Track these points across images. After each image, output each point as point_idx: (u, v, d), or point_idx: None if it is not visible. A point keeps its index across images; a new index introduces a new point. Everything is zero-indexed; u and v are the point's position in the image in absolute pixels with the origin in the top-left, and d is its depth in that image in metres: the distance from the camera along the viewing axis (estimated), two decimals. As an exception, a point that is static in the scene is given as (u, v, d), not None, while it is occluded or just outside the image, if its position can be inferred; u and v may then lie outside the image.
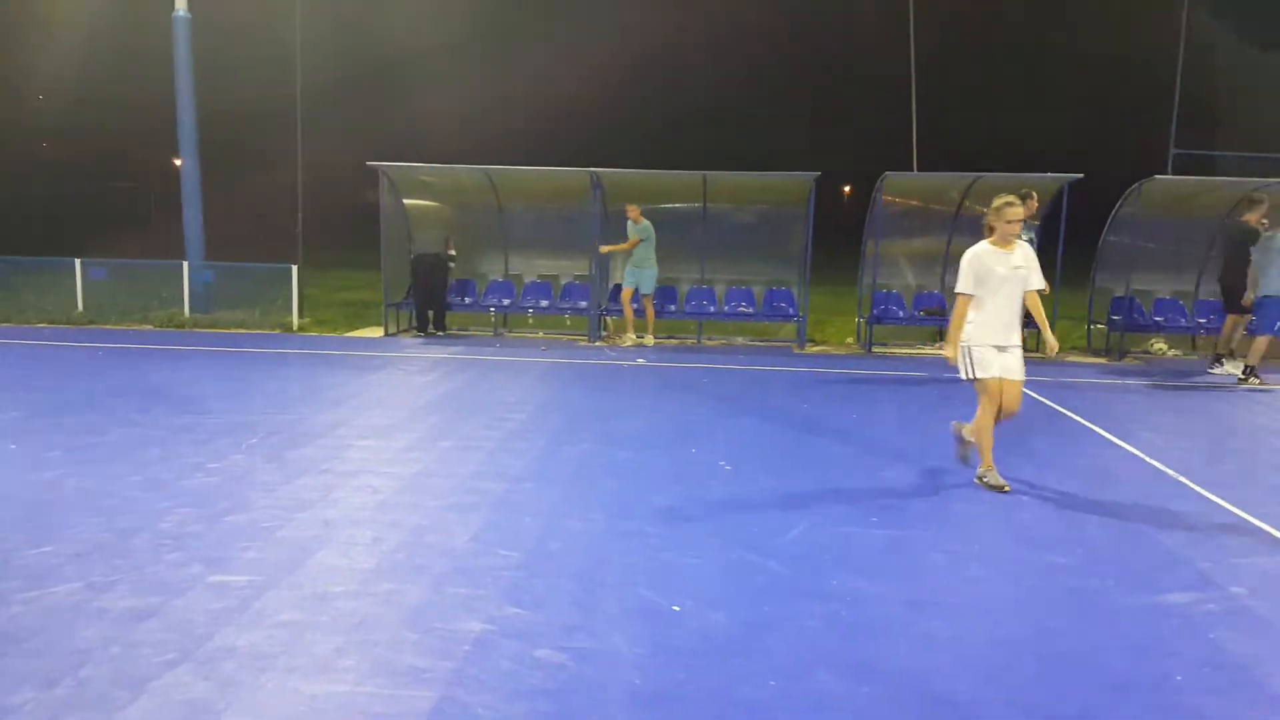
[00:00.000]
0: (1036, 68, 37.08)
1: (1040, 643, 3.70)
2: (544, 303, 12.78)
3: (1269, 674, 3.48)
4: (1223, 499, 5.67)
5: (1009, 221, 5.60)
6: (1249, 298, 9.86)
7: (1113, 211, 11.78)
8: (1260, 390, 9.52)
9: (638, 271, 11.77)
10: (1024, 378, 5.73)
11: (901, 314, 12.05)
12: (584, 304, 12.49)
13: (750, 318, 12.44)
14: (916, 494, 5.69)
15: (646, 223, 11.66)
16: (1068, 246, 11.18)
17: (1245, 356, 9.89)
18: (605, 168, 12.00)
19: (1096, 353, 11.91)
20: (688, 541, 4.72)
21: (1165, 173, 16.82)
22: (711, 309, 12.41)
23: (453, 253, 12.13)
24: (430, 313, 12.32)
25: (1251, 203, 9.98)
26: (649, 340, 11.85)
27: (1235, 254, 10.02)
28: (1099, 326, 11.94)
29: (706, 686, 3.28)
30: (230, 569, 4.18)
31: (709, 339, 12.75)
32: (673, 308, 12.55)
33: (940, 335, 12.48)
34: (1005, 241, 5.67)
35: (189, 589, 3.95)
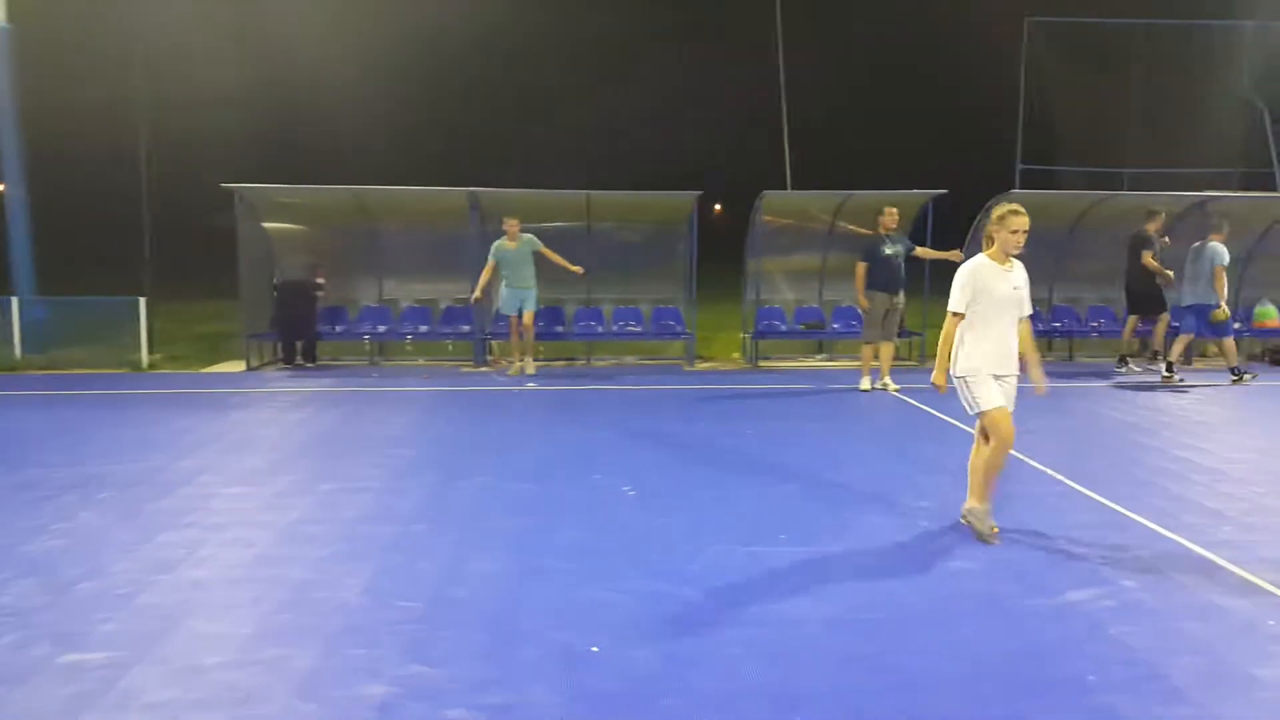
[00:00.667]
0: (893, 89, 38.96)
1: (958, 651, 3.69)
2: (423, 328, 12.33)
3: (1169, 666, 3.57)
4: (1103, 496, 5.91)
5: (1013, 232, 4.94)
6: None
7: (973, 225, 12.32)
8: (1173, 389, 10.15)
9: (521, 293, 11.00)
10: (1013, 407, 5.11)
11: (784, 328, 12.25)
12: (467, 328, 12.13)
13: (639, 336, 12.38)
14: (819, 508, 5.67)
15: (529, 237, 10.89)
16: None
17: (1149, 355, 10.98)
18: (484, 187, 11.71)
19: (965, 358, 12.41)
20: (600, 575, 4.51)
21: (1014, 186, 17.87)
22: (600, 329, 12.28)
23: (321, 281, 11.52)
24: (299, 344, 11.66)
25: (1150, 214, 10.83)
26: (530, 367, 11.18)
27: (1136, 261, 10.75)
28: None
29: (635, 733, 3.09)
30: (85, 646, 3.70)
31: (598, 360, 12.60)
32: (560, 329, 12.34)
33: (820, 348, 12.80)
34: (1005, 257, 5.01)
35: (34, 674, 3.46)
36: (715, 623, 3.96)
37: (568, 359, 12.48)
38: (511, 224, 10.76)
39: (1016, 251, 4.98)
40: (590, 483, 6.23)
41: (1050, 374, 11.21)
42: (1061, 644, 3.77)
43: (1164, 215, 10.63)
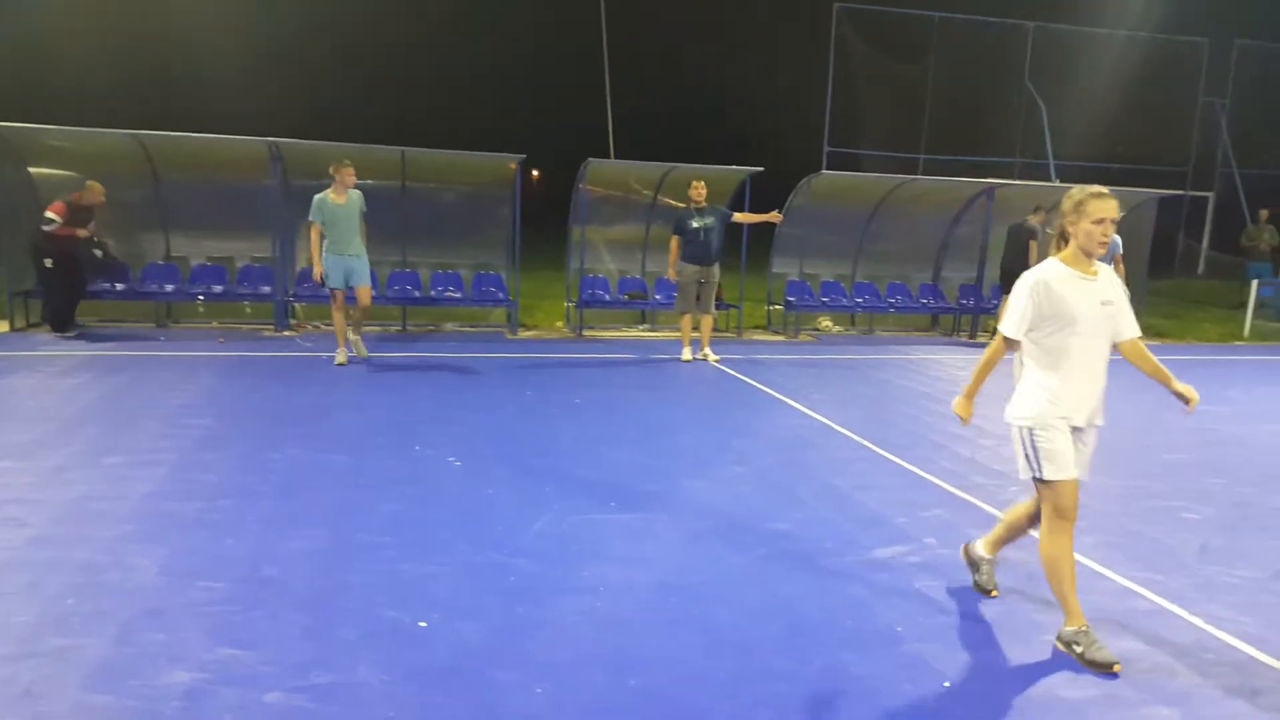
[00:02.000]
0: (716, 68, 39.70)
1: (781, 611, 3.86)
2: (217, 289, 11.41)
3: (971, 616, 3.89)
4: (901, 459, 6.34)
5: (1097, 222, 3.52)
6: None
7: (785, 203, 12.84)
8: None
9: (350, 262, 8.93)
10: (1088, 477, 3.71)
11: (608, 298, 12.30)
12: (267, 289, 11.34)
13: (459, 303, 12.02)
14: (647, 474, 5.74)
15: (359, 194, 8.96)
16: (750, 234, 12.01)
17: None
18: (287, 138, 10.95)
19: (775, 331, 12.96)
20: (426, 549, 4.36)
21: (822, 167, 18.78)
22: (417, 294, 11.83)
23: (85, 234, 10.12)
24: (58, 307, 10.31)
25: (1036, 208, 12.00)
26: (361, 349, 9.33)
27: (1016, 246, 11.83)
28: (777, 307, 12.99)
29: (470, 707, 3.01)
30: None
31: (415, 325, 12.16)
32: (374, 292, 11.76)
33: (643, 318, 12.96)
34: (1087, 260, 3.60)
35: None
36: (548, 592, 3.93)
37: (381, 324, 11.97)
38: (346, 171, 8.76)
39: (1101, 252, 3.60)
40: (412, 454, 6.00)
41: (851, 345, 12.17)
42: (873, 598, 4.02)
43: (1044, 210, 12.00)
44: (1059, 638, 3.63)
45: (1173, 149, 24.71)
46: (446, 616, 3.64)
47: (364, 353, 9.35)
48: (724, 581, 4.14)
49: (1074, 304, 3.54)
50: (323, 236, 8.78)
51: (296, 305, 11.71)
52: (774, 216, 10.18)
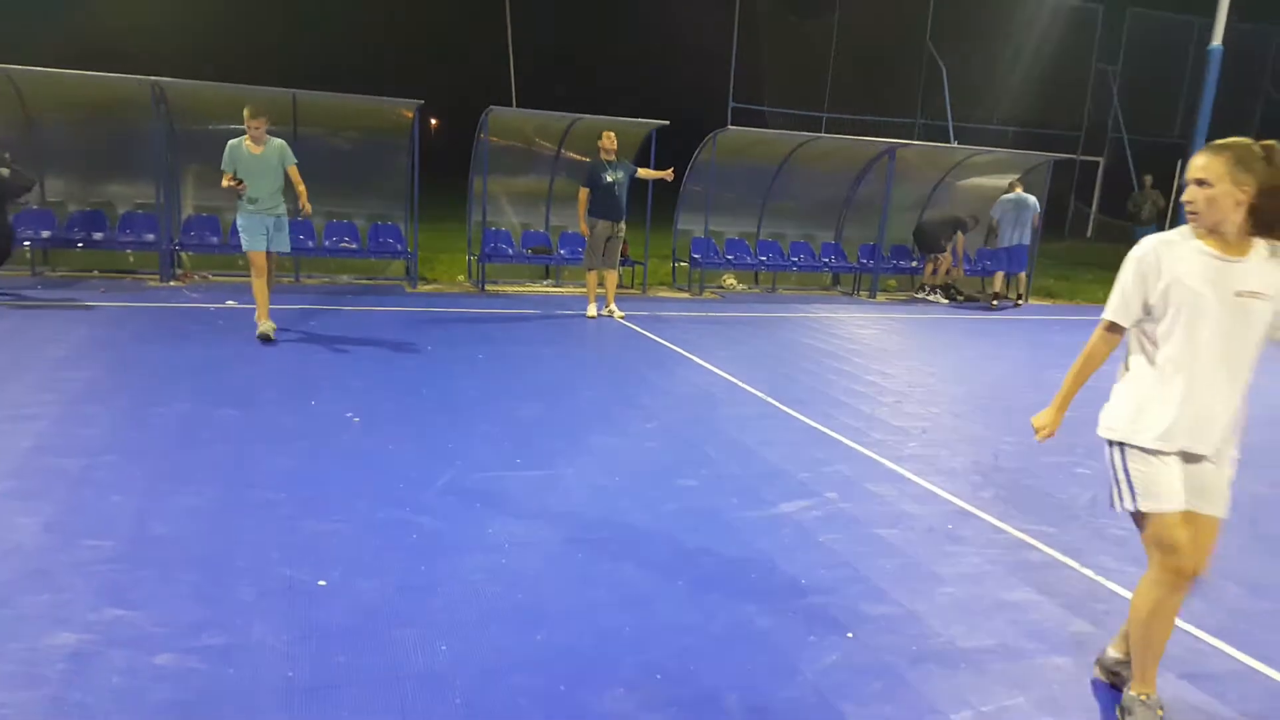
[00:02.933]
0: (621, 25, 39.05)
1: (687, 565, 3.89)
2: (97, 235, 10.73)
3: (869, 568, 4.01)
4: (804, 415, 6.47)
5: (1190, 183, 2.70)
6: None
7: (691, 159, 12.82)
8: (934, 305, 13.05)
9: (269, 220, 7.68)
10: (1226, 513, 2.90)
11: (511, 252, 12.08)
12: (151, 237, 10.72)
13: (355, 254, 11.62)
14: (552, 432, 5.70)
15: (280, 143, 7.71)
16: (654, 190, 11.97)
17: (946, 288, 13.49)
18: (170, 78, 10.29)
19: (680, 288, 13.01)
20: (325, 506, 4.23)
21: (726, 124, 18.79)
22: (310, 244, 11.36)
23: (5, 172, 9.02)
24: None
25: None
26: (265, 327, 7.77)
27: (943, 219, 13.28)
28: (682, 264, 13.03)
29: (372, 665, 2.95)
30: None
31: (308, 277, 11.71)
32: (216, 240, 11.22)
33: (547, 273, 12.80)
34: (1238, 238, 2.69)
35: None
36: (452, 549, 3.87)
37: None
38: (257, 123, 7.46)
39: (1192, 221, 2.74)
40: (308, 410, 5.80)
41: (755, 303, 12.32)
42: (778, 551, 4.11)
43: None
44: (1122, 705, 2.97)
45: (1066, 114, 25.70)
46: (346, 575, 3.54)
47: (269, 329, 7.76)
48: (631, 537, 4.16)
49: (1203, 291, 2.70)
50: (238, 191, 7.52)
51: (183, 254, 11.12)
52: (667, 174, 10.27)
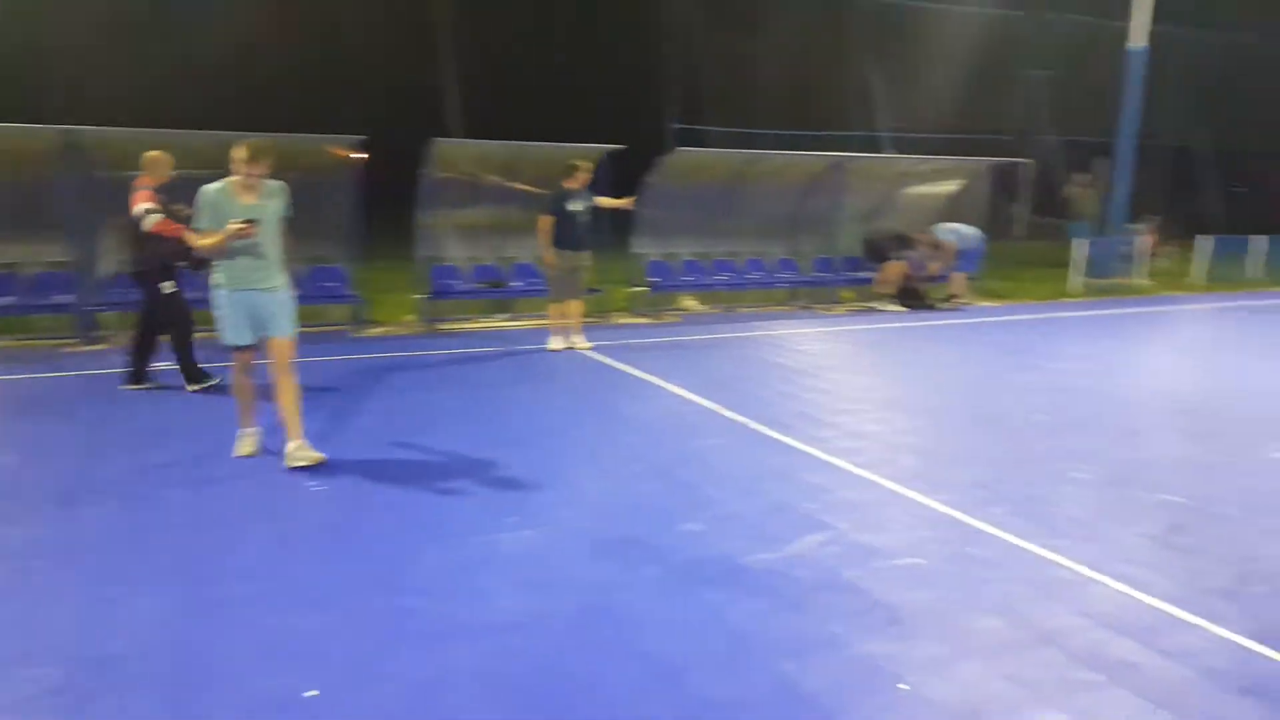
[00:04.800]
0: (557, 42, 38.68)
1: (712, 623, 3.54)
2: (7, 300, 9.96)
3: (904, 605, 3.69)
4: (795, 440, 6.16)
5: None
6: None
7: (642, 182, 12.54)
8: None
9: (262, 298, 5.38)
10: None
11: (463, 287, 11.61)
12: (68, 299, 9.99)
13: (301, 300, 10.98)
14: (541, 480, 5.27)
15: (278, 185, 5.46)
16: (608, 216, 11.62)
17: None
18: (89, 125, 9.65)
19: (640, 313, 12.68)
20: (300, 596, 3.76)
21: (669, 145, 18.62)
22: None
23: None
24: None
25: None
26: (303, 456, 5.49)
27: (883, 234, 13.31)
28: (639, 289, 12.71)
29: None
30: None
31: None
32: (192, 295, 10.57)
33: (502, 307, 12.34)
34: None
35: None
36: (458, 633, 3.44)
37: (204, 330, 10.80)
38: (255, 166, 5.20)
39: None
40: (263, 481, 5.27)
41: (717, 323, 11.99)
42: (803, 598, 3.77)
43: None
44: None
45: (995, 119, 26.23)
46: (339, 680, 3.10)
47: (304, 460, 5.47)
48: (650, 597, 3.78)
49: None
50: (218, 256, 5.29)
51: (104, 315, 10.39)
52: (627, 203, 10.13)
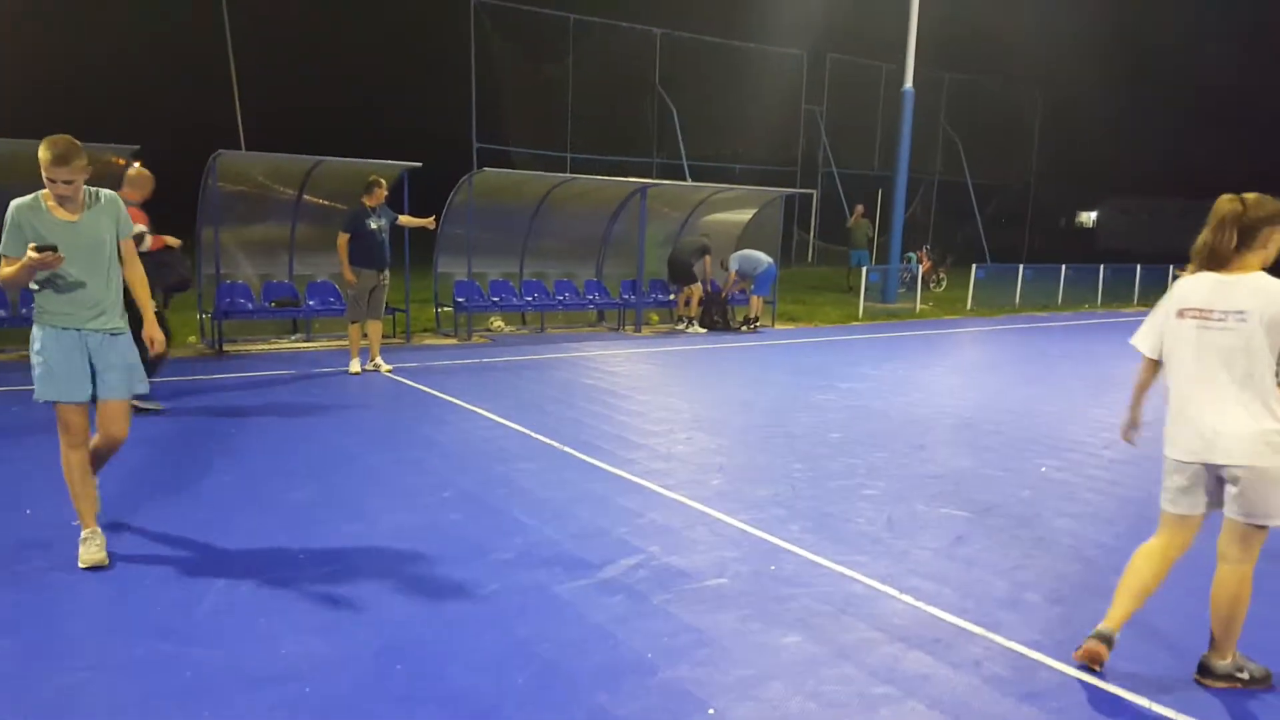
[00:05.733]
0: (355, 65, 37.22)
1: (522, 656, 3.46)
2: None
3: (712, 627, 3.77)
4: (606, 463, 6.19)
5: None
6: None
7: (447, 201, 12.29)
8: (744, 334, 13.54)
9: (97, 340, 4.18)
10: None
11: (251, 306, 10.87)
12: None
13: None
14: (337, 514, 4.99)
15: (110, 195, 4.30)
16: (410, 234, 11.29)
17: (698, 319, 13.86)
18: None
19: (446, 334, 12.39)
20: (63, 650, 3.33)
21: (471, 164, 18.42)
22: (1, 314, 9.55)
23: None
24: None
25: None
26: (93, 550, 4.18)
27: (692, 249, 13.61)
28: (446, 309, 12.42)
29: None
30: None
31: (-6, 353, 9.82)
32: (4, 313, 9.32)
33: (295, 328, 11.67)
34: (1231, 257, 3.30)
35: None
36: (240, 686, 3.16)
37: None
38: (69, 173, 3.97)
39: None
40: (19, 521, 4.69)
41: (525, 344, 11.89)
42: (614, 625, 3.77)
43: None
44: (1212, 674, 3.41)
45: (783, 151, 27.82)
46: (104, 748, 2.76)
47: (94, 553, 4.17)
48: (454, 633, 3.64)
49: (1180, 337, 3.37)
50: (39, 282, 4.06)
51: None
52: (429, 223, 10.06)
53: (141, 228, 6.83)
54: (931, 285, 21.05)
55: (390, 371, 9.26)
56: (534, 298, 13.03)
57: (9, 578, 3.98)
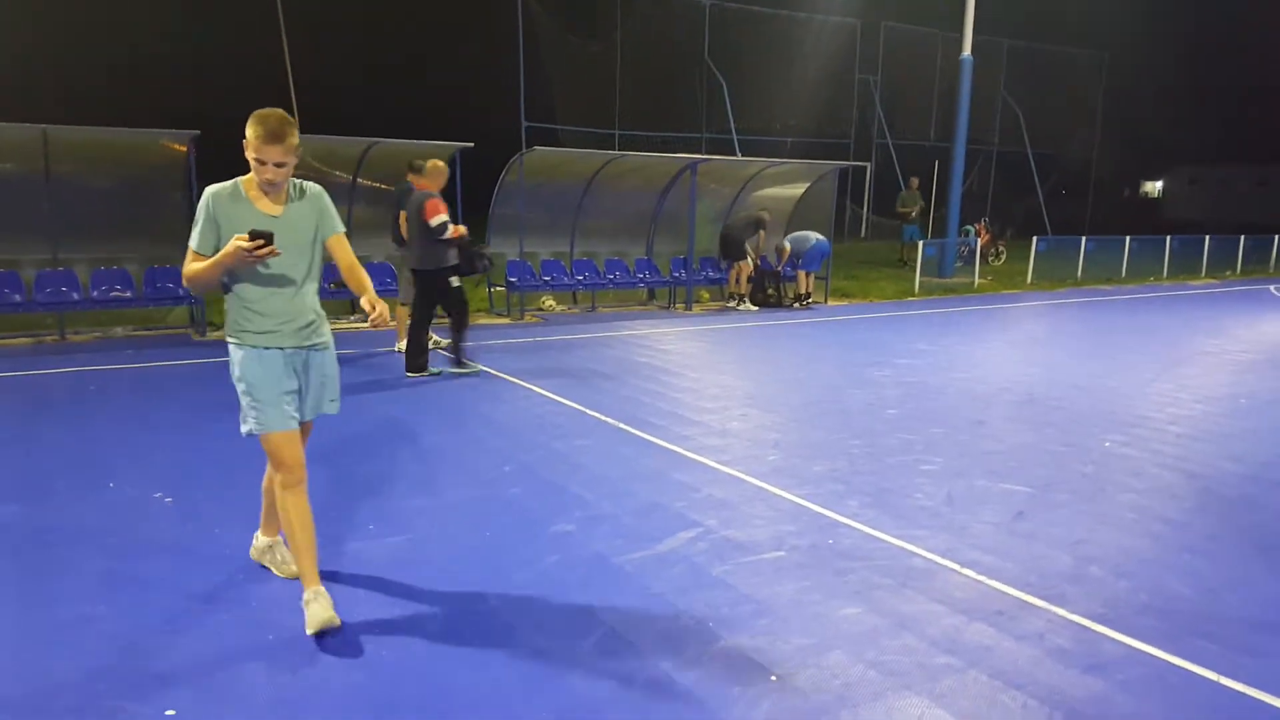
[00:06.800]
0: (404, 45, 37.61)
1: (587, 624, 3.55)
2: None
3: (771, 598, 3.82)
4: (659, 438, 6.26)
5: None
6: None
7: (498, 181, 12.41)
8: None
9: (295, 357, 3.65)
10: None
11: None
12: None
13: (130, 304, 10.28)
14: (406, 488, 5.15)
15: (315, 189, 3.73)
16: (463, 210, 11.44)
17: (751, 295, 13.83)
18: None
19: (499, 313, 12.55)
20: (155, 618, 3.51)
21: (521, 144, 18.52)
22: (76, 296, 9.94)
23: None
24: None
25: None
26: None
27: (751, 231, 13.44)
28: (498, 289, 12.56)
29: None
30: None
31: (76, 334, 10.23)
32: (19, 298, 9.74)
33: (353, 309, 11.93)
34: None
35: None
36: (321, 652, 3.30)
37: (34, 335, 9.97)
38: (280, 152, 3.32)
39: None
40: (106, 495, 4.92)
41: (577, 323, 11.97)
42: (674, 595, 3.84)
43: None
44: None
45: (836, 123, 27.41)
46: (202, 704, 2.92)
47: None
48: (520, 602, 3.75)
49: None
50: (227, 288, 3.54)
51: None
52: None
53: (443, 217, 7.84)
54: (990, 259, 20.67)
55: (444, 348, 9.41)
56: (585, 276, 13.13)
57: (103, 548, 4.18)
